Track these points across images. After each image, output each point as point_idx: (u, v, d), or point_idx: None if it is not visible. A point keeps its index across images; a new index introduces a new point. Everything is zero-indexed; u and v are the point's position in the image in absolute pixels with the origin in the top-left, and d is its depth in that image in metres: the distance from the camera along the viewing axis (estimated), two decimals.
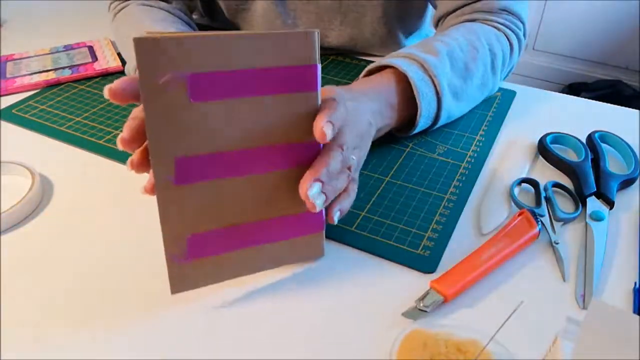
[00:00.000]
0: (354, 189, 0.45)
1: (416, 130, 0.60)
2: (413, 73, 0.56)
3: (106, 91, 0.38)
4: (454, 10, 0.69)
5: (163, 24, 0.67)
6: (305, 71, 0.39)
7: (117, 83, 0.39)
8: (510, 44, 0.66)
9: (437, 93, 0.57)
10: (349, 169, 0.43)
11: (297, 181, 0.40)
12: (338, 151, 0.41)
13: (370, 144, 0.51)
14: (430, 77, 0.57)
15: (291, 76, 0.39)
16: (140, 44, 0.34)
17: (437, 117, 0.59)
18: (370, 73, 0.59)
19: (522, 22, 0.68)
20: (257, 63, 0.38)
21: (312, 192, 0.39)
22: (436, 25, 0.73)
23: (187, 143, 0.38)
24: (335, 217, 0.43)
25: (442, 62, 0.58)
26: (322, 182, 0.39)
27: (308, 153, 0.41)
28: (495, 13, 0.67)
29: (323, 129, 0.38)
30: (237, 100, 0.38)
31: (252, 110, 0.39)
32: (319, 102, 0.40)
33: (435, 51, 0.59)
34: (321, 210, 0.42)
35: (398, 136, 0.61)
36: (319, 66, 0.39)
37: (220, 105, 0.38)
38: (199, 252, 0.41)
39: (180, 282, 0.41)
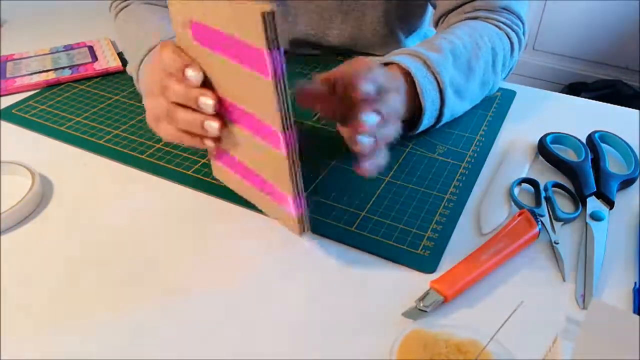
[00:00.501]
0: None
1: (420, 129, 0.60)
2: (416, 70, 0.56)
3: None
4: (455, 9, 0.69)
5: (164, 22, 0.67)
6: (258, 53, 0.37)
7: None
8: (511, 43, 0.66)
9: (440, 91, 0.57)
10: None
11: (265, 153, 0.43)
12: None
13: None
14: (433, 74, 0.57)
15: (250, 53, 0.38)
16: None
17: (440, 115, 0.59)
18: None
19: (522, 22, 0.68)
20: (230, 29, 0.39)
21: (369, 119, 0.42)
22: (436, 24, 0.73)
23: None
24: (371, 167, 0.44)
25: (446, 59, 0.58)
26: (380, 113, 0.42)
27: (268, 133, 0.41)
28: (497, 12, 0.67)
29: (362, 86, 0.42)
30: (217, 54, 0.42)
31: (227, 70, 0.42)
32: (278, 91, 0.38)
33: (439, 48, 0.59)
34: (287, 196, 0.44)
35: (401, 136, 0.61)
36: (276, 52, 0.36)
37: (206, 52, 0.43)
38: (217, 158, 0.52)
39: (215, 171, 0.54)
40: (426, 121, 0.58)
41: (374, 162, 0.44)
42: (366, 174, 0.44)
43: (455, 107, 0.61)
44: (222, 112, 0.45)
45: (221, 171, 0.53)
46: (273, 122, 0.39)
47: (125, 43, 0.69)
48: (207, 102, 0.44)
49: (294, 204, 0.43)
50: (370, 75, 0.44)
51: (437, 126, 0.62)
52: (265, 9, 0.34)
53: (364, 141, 0.42)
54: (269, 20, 0.34)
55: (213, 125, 0.45)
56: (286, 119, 0.39)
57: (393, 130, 0.46)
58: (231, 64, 0.41)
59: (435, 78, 0.57)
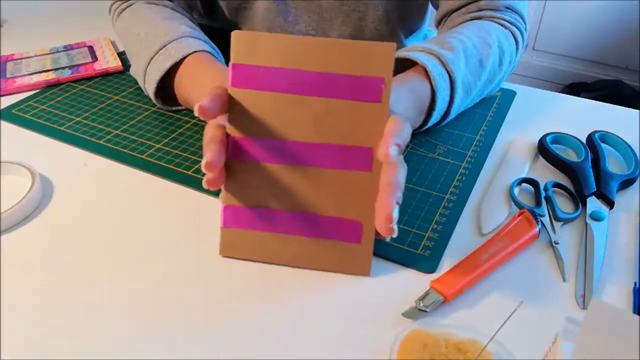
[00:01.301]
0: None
1: (427, 126, 0.60)
2: (432, 66, 0.56)
3: (197, 110, 0.41)
4: (459, 8, 0.69)
5: (173, 21, 0.67)
6: (373, 82, 0.42)
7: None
8: (516, 42, 0.67)
9: (452, 89, 0.58)
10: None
11: (344, 183, 0.44)
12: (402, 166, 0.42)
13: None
14: (448, 72, 0.57)
15: (357, 85, 0.42)
16: (238, 37, 0.42)
17: (447, 113, 0.60)
18: None
19: (524, 21, 0.69)
20: (329, 68, 0.42)
21: (393, 152, 0.40)
22: (438, 23, 0.73)
23: (252, 126, 0.44)
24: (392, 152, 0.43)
25: (458, 58, 0.59)
26: (399, 147, 0.41)
27: (360, 156, 0.43)
28: (501, 11, 0.68)
29: (389, 150, 0.40)
30: (305, 97, 0.43)
31: (315, 109, 0.43)
32: (385, 113, 0.42)
33: (452, 47, 0.59)
34: (360, 225, 0.44)
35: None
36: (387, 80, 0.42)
37: (287, 97, 0.43)
38: (235, 222, 0.46)
39: (227, 246, 0.46)
40: (434, 117, 0.59)
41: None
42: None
43: (462, 105, 0.62)
44: (292, 160, 0.44)
45: (244, 238, 0.46)
46: (379, 153, 0.41)
47: (129, 43, 0.69)
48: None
49: (359, 227, 0.44)
50: (397, 133, 0.42)
51: (442, 124, 0.62)
52: (392, 45, 0.41)
53: (393, 229, 0.40)
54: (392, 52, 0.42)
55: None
56: None
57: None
58: (331, 102, 0.43)
59: (450, 76, 0.57)
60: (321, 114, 0.43)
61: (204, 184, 0.42)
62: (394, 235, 0.40)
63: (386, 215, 0.40)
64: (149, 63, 0.63)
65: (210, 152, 0.41)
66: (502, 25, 0.66)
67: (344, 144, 0.43)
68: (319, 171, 0.44)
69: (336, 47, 0.42)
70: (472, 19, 0.68)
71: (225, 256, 0.47)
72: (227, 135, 0.44)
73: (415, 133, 0.61)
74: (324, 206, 0.45)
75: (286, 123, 0.43)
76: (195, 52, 0.61)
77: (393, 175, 0.41)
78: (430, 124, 0.60)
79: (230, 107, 0.43)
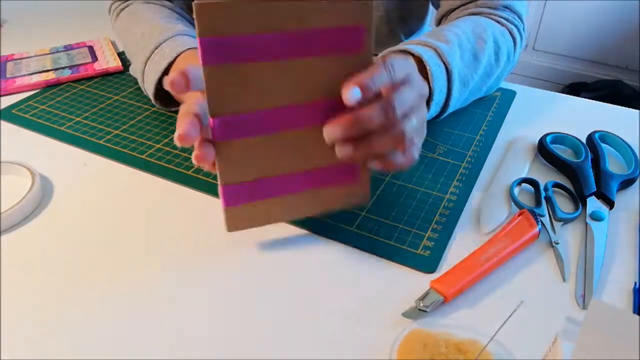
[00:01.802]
0: (411, 150, 0.44)
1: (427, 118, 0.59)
2: (429, 57, 0.56)
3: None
4: (458, 7, 0.70)
5: (170, 21, 0.67)
6: (353, 32, 0.41)
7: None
8: (514, 40, 0.67)
9: (449, 81, 0.58)
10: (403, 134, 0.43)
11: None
12: (383, 104, 0.41)
13: (425, 111, 0.47)
14: (444, 63, 0.57)
15: (337, 38, 0.41)
16: (201, 9, 0.37)
17: (445, 105, 0.60)
18: None
19: (522, 21, 0.69)
20: (305, 25, 0.40)
21: (353, 94, 0.40)
22: (438, 23, 0.74)
23: (233, 102, 0.41)
24: (372, 165, 0.44)
25: (454, 50, 0.59)
26: (364, 87, 0.40)
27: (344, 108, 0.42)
28: (499, 9, 0.68)
29: (347, 93, 0.40)
30: (286, 61, 0.41)
31: (297, 71, 0.41)
32: (370, 61, 0.42)
33: (447, 40, 0.59)
34: (355, 163, 0.46)
35: None
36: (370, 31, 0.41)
37: (267, 65, 0.40)
38: (236, 200, 0.45)
39: (232, 223, 0.46)
40: (432, 109, 0.58)
41: (405, 157, 0.44)
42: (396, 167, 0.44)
43: (460, 99, 0.62)
44: (286, 125, 0.43)
45: (250, 211, 0.46)
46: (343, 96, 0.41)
47: (128, 43, 0.69)
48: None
49: (354, 166, 0.45)
50: (367, 76, 0.41)
51: (441, 117, 0.62)
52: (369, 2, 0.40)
53: (354, 93, 0.40)
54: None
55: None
56: None
57: (416, 121, 0.44)
58: (311, 60, 0.41)
59: (446, 67, 0.57)
60: (304, 75, 0.41)
61: (194, 160, 0.41)
62: (355, 96, 0.40)
63: (344, 97, 0.40)
64: (145, 63, 0.63)
65: (182, 125, 0.40)
66: (498, 22, 0.67)
67: (331, 97, 0.42)
68: (310, 129, 0.43)
69: (310, 8, 0.39)
70: (470, 15, 0.68)
71: (231, 231, 0.46)
72: (210, 117, 0.41)
73: None
74: (319, 160, 0.45)
75: (269, 91, 0.41)
76: (189, 49, 0.61)
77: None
78: (428, 116, 0.59)
79: (207, 87, 0.40)
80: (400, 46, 0.59)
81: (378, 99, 0.42)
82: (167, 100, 0.66)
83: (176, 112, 0.67)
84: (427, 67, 0.55)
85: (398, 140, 0.43)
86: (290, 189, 0.46)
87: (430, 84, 0.56)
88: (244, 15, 0.39)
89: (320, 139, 0.43)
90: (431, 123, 0.64)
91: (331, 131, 0.41)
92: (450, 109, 0.61)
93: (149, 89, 0.64)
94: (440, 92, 0.57)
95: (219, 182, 0.44)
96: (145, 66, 0.63)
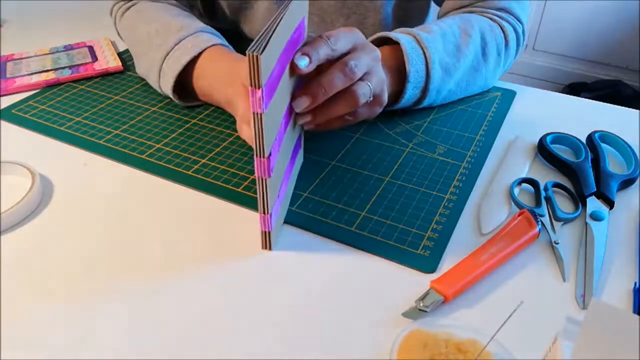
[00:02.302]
0: (375, 108, 0.55)
1: (404, 101, 0.61)
2: (405, 41, 0.59)
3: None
4: (458, 8, 0.71)
5: (185, 18, 0.68)
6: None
7: None
8: (505, 36, 0.67)
9: (427, 65, 0.60)
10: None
11: None
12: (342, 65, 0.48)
13: (382, 74, 0.54)
14: (422, 48, 0.59)
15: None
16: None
17: (425, 89, 0.61)
18: None
19: (521, 22, 0.69)
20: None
21: (301, 60, 0.45)
22: None
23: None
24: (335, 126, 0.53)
25: (435, 39, 0.61)
26: (306, 54, 0.46)
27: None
28: (495, 9, 0.69)
29: (296, 62, 0.45)
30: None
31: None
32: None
33: (429, 30, 0.62)
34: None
35: (388, 109, 0.63)
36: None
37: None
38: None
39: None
40: (410, 91, 0.60)
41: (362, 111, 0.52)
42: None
43: (443, 85, 0.63)
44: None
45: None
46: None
47: (136, 41, 0.69)
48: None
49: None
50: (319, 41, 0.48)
51: (424, 103, 0.64)
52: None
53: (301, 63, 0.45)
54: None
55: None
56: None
57: (375, 79, 0.51)
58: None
59: (424, 52, 0.59)
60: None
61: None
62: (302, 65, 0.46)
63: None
64: (164, 59, 0.63)
65: None
66: (490, 18, 0.67)
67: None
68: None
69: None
70: (462, 13, 0.70)
71: None
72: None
73: (415, 133, 0.61)
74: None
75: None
76: (213, 45, 0.63)
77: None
78: (407, 97, 0.61)
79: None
80: (382, 34, 0.61)
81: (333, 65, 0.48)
82: (181, 95, 0.66)
83: (176, 111, 0.67)
84: (403, 49, 0.58)
85: (358, 98, 0.50)
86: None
87: (407, 66, 0.58)
88: None
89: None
90: (431, 122, 0.64)
91: (301, 101, 0.47)
92: (433, 94, 0.62)
93: (167, 82, 0.64)
94: (416, 73, 0.59)
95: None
96: (163, 62, 0.63)
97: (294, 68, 0.46)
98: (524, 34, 0.70)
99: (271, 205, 0.44)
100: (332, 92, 0.48)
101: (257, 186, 0.43)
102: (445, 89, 0.64)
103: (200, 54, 0.62)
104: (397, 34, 0.60)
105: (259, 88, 0.38)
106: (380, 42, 0.62)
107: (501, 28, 0.67)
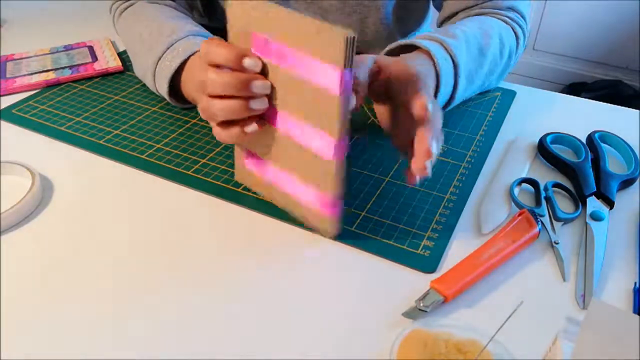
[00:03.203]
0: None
1: None
2: (436, 51, 0.57)
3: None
4: (462, 10, 0.71)
5: (179, 21, 0.67)
6: (331, 70, 0.40)
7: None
8: (517, 38, 0.68)
9: (455, 75, 0.59)
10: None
11: (305, 159, 0.46)
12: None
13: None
14: (451, 57, 0.58)
15: (320, 70, 0.41)
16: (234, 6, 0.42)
17: (451, 98, 0.61)
18: (391, 53, 0.60)
19: (525, 21, 0.70)
20: (300, 46, 0.42)
21: (435, 149, 0.44)
22: (441, 25, 0.74)
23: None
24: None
25: (460, 45, 0.60)
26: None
27: (322, 143, 0.44)
28: (503, 9, 0.69)
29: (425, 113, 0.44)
30: (279, 66, 0.44)
31: (286, 81, 0.44)
32: (342, 106, 0.41)
33: (454, 35, 0.60)
34: (329, 197, 0.46)
35: None
36: (349, 72, 0.40)
37: (268, 64, 0.44)
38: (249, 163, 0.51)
39: (240, 175, 0.54)
40: (439, 101, 0.59)
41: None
42: (414, 182, 0.47)
43: (465, 93, 0.63)
44: (269, 119, 0.47)
45: (247, 175, 0.53)
46: (331, 131, 0.42)
47: (132, 42, 0.69)
48: (260, 83, 0.45)
49: (332, 206, 0.46)
50: (426, 91, 0.47)
51: (446, 110, 0.63)
52: (349, 34, 0.38)
53: (429, 167, 0.45)
54: (350, 43, 0.38)
55: (258, 85, 0.45)
56: (343, 129, 0.42)
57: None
58: (293, 77, 0.43)
59: (453, 61, 0.58)
60: (284, 83, 0.45)
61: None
62: (428, 175, 0.44)
63: (424, 150, 0.43)
64: (157, 62, 0.63)
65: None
66: (504, 21, 0.68)
67: (304, 120, 0.44)
68: (286, 137, 0.47)
69: (300, 23, 0.41)
70: (477, 15, 0.69)
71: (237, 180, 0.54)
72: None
73: None
74: (293, 169, 0.48)
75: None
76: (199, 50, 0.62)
77: (429, 119, 0.45)
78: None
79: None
80: (409, 41, 0.59)
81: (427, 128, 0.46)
82: (178, 97, 0.66)
83: (176, 111, 0.67)
84: (435, 61, 0.56)
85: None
86: (277, 181, 0.50)
87: (439, 78, 0.57)
88: (257, 12, 0.44)
89: (292, 151, 0.47)
90: None
91: (421, 166, 0.45)
92: (454, 104, 0.62)
93: (162, 86, 0.64)
94: (446, 86, 0.58)
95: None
96: (156, 65, 0.63)
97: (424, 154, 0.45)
98: (527, 35, 0.71)
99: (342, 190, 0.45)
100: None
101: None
102: (465, 95, 0.64)
103: (188, 58, 0.61)
104: (425, 42, 0.58)
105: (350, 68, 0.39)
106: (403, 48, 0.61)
107: (514, 31, 0.67)
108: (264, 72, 0.45)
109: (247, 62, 0.44)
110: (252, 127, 0.47)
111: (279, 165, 0.49)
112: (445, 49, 0.58)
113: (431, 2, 0.80)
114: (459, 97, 0.61)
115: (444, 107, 0.62)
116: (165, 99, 0.69)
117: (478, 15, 0.69)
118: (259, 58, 0.45)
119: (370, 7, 0.75)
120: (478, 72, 0.62)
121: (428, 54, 0.57)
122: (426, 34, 0.61)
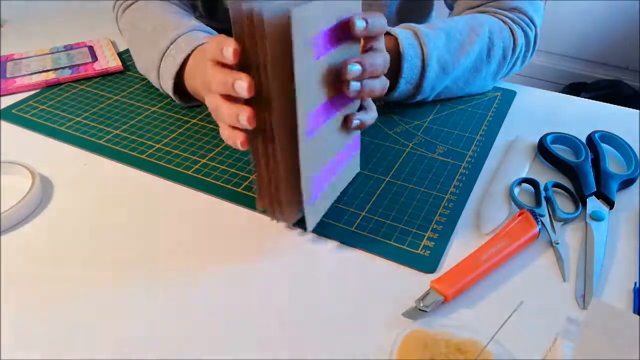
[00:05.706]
0: (372, 107, 0.52)
1: (396, 95, 0.62)
2: (404, 37, 0.60)
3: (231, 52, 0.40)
4: (471, 8, 0.71)
5: (182, 16, 0.68)
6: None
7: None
8: (514, 39, 0.66)
9: (423, 61, 0.60)
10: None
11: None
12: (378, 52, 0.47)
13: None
14: (420, 44, 0.60)
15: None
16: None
17: (419, 84, 0.62)
18: None
19: (534, 24, 0.68)
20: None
21: (352, 67, 0.44)
22: None
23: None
24: (354, 124, 0.48)
25: (437, 36, 0.61)
26: (362, 65, 0.44)
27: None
28: (507, 10, 0.69)
29: (354, 19, 0.43)
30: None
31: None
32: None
33: (433, 27, 0.62)
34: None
35: (386, 101, 0.65)
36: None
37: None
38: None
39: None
40: (402, 86, 0.61)
41: (355, 117, 0.48)
42: (350, 125, 0.48)
43: (438, 82, 0.63)
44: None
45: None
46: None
47: (136, 39, 0.69)
48: (241, 84, 0.40)
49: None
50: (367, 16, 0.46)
51: (417, 98, 0.65)
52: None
53: (353, 69, 0.44)
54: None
55: (242, 85, 0.40)
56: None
57: (378, 84, 0.48)
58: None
59: (421, 48, 0.60)
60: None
61: (240, 146, 0.44)
62: (349, 93, 0.45)
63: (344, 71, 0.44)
64: (161, 59, 0.63)
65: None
66: (501, 20, 0.67)
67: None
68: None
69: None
70: (477, 12, 0.70)
71: None
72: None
73: (414, 133, 0.61)
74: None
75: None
76: (204, 43, 0.62)
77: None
78: (399, 91, 0.62)
79: None
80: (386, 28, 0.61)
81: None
82: (183, 95, 0.66)
83: (176, 111, 0.67)
84: (400, 44, 0.59)
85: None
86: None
87: (402, 62, 0.59)
88: None
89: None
90: (430, 122, 0.64)
91: (355, 69, 0.45)
92: (427, 91, 0.63)
93: (166, 83, 0.64)
94: (411, 70, 0.60)
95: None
96: (160, 61, 0.63)
97: (350, 27, 0.44)
98: (537, 38, 0.69)
99: (308, 169, 0.44)
100: (373, 74, 0.47)
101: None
102: (440, 86, 0.64)
103: (191, 52, 0.61)
104: (397, 29, 0.61)
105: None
106: None
107: (511, 31, 0.66)
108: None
109: (225, 52, 0.40)
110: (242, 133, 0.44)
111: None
112: (417, 37, 0.60)
113: (434, 3, 0.80)
114: (429, 83, 0.62)
115: (415, 93, 0.63)
116: (165, 98, 0.69)
117: (476, 13, 0.69)
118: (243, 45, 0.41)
119: (374, 6, 0.76)
120: (455, 65, 0.63)
121: (396, 39, 0.60)
122: (406, 24, 0.63)
